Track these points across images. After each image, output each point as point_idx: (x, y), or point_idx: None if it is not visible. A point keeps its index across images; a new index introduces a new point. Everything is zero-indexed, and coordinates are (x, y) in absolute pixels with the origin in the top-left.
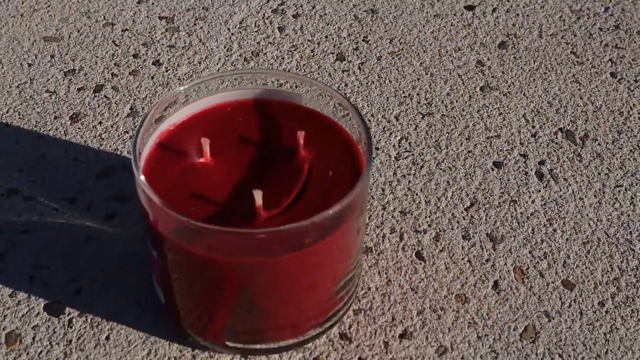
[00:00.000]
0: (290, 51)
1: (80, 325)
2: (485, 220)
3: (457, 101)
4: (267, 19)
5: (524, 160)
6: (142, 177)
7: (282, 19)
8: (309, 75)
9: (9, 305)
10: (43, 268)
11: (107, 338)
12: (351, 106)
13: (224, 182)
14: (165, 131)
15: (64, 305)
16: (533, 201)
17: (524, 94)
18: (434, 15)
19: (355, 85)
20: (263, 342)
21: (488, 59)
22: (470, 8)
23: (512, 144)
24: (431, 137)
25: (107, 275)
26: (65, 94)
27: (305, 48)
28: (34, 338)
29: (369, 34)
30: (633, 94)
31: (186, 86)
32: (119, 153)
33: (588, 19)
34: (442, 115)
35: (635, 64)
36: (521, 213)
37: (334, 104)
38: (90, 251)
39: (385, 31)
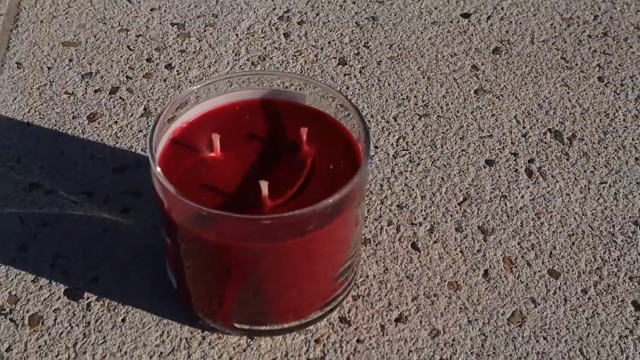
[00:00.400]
0: (295, 56)
1: (98, 309)
2: (477, 214)
3: (452, 103)
4: (273, 25)
5: (514, 158)
6: (158, 169)
7: (287, 25)
8: (312, 78)
9: (32, 290)
10: (63, 257)
11: (123, 320)
12: (352, 106)
13: (233, 175)
14: (178, 128)
15: (82, 290)
16: (522, 196)
17: (516, 97)
18: (432, 23)
19: (356, 88)
20: (268, 324)
21: (482, 64)
22: (466, 16)
23: (504, 144)
24: (427, 136)
25: (123, 264)
26: (82, 95)
27: (309, 53)
28: (55, 320)
29: (370, 39)
30: (618, 97)
31: (198, 86)
32: (133, 151)
33: (578, 26)
34: (438, 116)
35: (622, 68)
36: (511, 207)
37: (336, 104)
38: (107, 241)
39: (385, 37)
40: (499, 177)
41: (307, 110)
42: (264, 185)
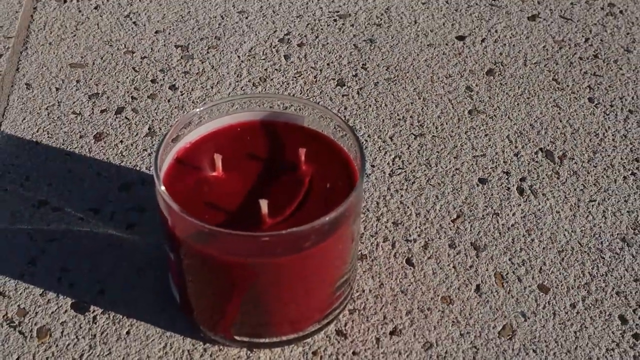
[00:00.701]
0: (295, 77)
1: (104, 322)
2: (470, 230)
3: (446, 123)
4: (274, 47)
5: (506, 177)
6: (163, 188)
7: (287, 47)
8: (311, 99)
9: (40, 303)
10: (70, 271)
11: (128, 333)
12: (348, 127)
13: (234, 193)
14: (182, 148)
15: (89, 304)
16: (514, 214)
17: (509, 117)
18: (428, 45)
19: (354, 109)
20: (267, 336)
21: (476, 85)
22: (461, 38)
23: (496, 162)
24: (422, 155)
25: (128, 278)
26: (89, 115)
27: (309, 74)
28: (62, 332)
29: (367, 61)
30: (608, 118)
31: (201, 108)
32: (138, 169)
33: (569, 48)
34: (433, 136)
35: (611, 90)
36: (503, 224)
37: (333, 125)
38: (112, 257)
39: (382, 59)
40: (492, 195)
41: (305, 131)
42: (264, 204)
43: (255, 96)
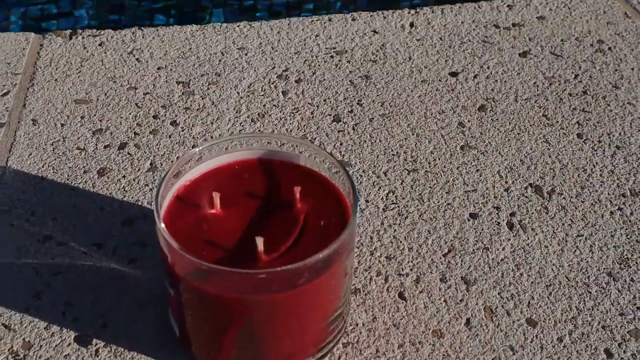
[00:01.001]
0: (293, 113)
1: (106, 355)
2: (461, 265)
3: (439, 159)
4: (272, 83)
5: (496, 212)
6: (163, 225)
7: (285, 83)
8: (308, 135)
9: (44, 336)
10: (74, 305)
11: None
12: (341, 166)
13: (232, 231)
14: (182, 186)
15: (91, 337)
16: (503, 248)
17: (499, 153)
18: (421, 81)
19: (349, 144)
20: None
21: (468, 121)
22: (454, 74)
23: (487, 198)
24: (415, 191)
25: (130, 312)
26: (93, 150)
27: (306, 110)
28: None
29: (363, 97)
30: (596, 153)
31: (201, 147)
32: (140, 204)
33: (559, 85)
34: (426, 171)
35: (599, 126)
36: (492, 259)
37: (328, 163)
38: (115, 291)
39: (377, 95)
40: (482, 229)
41: (300, 169)
42: (260, 241)
43: (253, 135)
